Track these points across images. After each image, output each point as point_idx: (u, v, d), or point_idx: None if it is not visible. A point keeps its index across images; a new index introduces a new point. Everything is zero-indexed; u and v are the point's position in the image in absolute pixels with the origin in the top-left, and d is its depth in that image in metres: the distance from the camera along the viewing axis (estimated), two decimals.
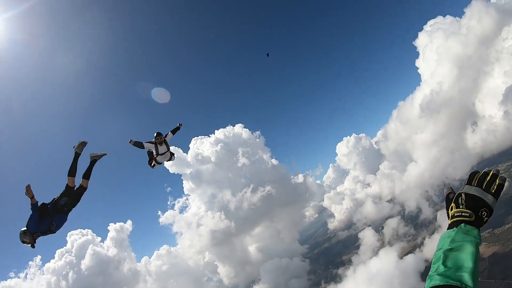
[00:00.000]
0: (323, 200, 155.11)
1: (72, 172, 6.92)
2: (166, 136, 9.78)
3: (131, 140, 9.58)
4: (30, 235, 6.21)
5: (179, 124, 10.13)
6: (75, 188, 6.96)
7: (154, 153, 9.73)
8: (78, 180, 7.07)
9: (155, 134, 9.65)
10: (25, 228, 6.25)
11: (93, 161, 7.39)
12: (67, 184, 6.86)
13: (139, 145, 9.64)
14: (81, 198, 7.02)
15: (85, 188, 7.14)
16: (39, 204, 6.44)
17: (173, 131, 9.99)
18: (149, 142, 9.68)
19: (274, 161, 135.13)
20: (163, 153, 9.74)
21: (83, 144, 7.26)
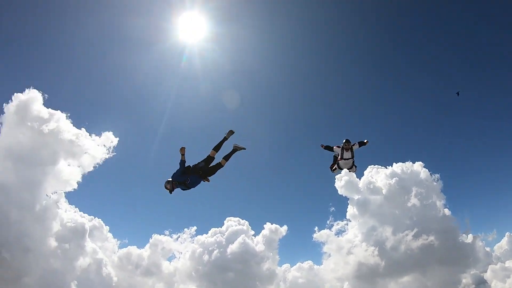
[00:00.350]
0: (485, 271, 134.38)
1: (216, 148, 8.84)
2: (353, 145, 10.95)
3: (322, 145, 11.25)
4: (171, 183, 8.14)
5: (366, 140, 11.22)
6: (213, 162, 8.85)
7: (338, 157, 10.98)
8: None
9: (344, 140, 10.94)
10: (170, 178, 8.23)
11: (234, 150, 9.03)
12: (209, 154, 8.86)
13: (329, 148, 11.17)
14: (216, 172, 8.88)
15: (221, 166, 8.96)
16: (185, 164, 8.35)
17: (360, 143, 11.12)
18: (337, 146, 11.06)
19: (446, 210, 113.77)
20: (347, 159, 11.01)
21: (231, 133, 9.05)
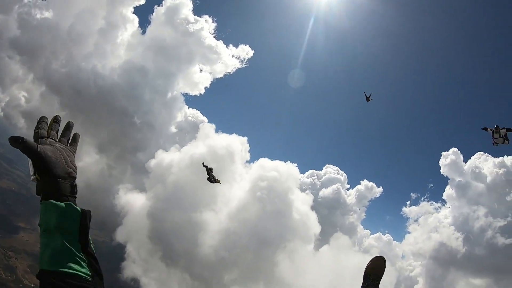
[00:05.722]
0: None
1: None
2: (502, 129, 14.30)
3: (482, 128, 14.75)
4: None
5: None
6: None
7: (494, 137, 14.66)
8: None
9: (494, 126, 14.50)
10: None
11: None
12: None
13: (485, 129, 14.79)
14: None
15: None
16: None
17: (508, 129, 14.35)
18: (490, 129, 14.66)
19: None
20: (496, 138, 14.74)
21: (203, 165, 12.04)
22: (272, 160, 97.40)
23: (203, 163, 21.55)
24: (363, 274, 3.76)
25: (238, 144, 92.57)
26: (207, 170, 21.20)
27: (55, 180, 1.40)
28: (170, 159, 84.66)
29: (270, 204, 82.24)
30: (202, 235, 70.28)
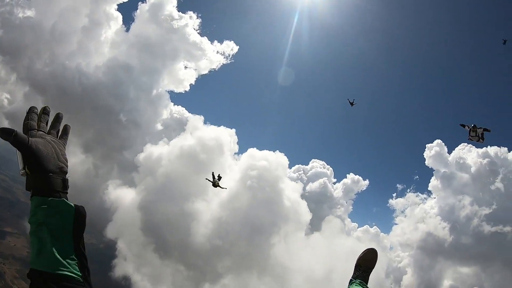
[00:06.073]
0: None
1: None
2: (479, 128, 16.93)
3: (460, 124, 17.33)
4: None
5: (490, 129, 17.24)
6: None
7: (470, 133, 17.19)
8: None
9: (472, 125, 17.13)
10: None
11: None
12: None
13: (463, 126, 17.31)
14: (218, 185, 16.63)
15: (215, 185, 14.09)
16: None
17: (484, 129, 17.17)
18: (468, 126, 17.13)
19: None
20: (472, 136, 17.20)
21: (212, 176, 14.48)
22: (260, 150, 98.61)
23: (212, 173, 24.25)
24: (354, 263, 3.83)
25: (226, 135, 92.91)
26: (213, 176, 23.71)
27: (46, 175, 1.31)
28: (159, 152, 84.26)
29: (261, 193, 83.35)
30: (194, 225, 70.94)
